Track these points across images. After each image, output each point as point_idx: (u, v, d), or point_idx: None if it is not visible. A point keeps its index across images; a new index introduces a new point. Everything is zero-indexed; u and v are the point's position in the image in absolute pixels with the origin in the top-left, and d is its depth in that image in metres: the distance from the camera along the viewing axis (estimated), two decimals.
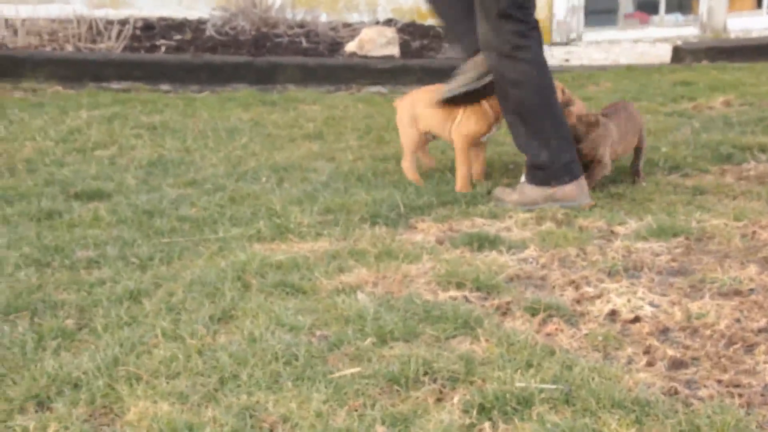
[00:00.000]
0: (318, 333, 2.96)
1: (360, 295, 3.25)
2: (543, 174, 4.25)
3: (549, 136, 4.24)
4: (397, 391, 2.58)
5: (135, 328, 3.00)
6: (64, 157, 5.13)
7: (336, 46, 7.80)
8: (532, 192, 4.28)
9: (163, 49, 7.41)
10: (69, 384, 2.62)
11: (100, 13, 7.80)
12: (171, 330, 2.97)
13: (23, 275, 3.40)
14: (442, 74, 7.34)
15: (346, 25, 8.26)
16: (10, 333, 2.93)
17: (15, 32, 7.10)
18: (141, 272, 3.51)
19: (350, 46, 7.66)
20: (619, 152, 4.57)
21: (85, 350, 2.84)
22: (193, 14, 8.21)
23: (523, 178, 4.41)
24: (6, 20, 7.20)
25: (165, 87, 6.95)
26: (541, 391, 2.48)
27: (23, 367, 2.73)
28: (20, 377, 2.66)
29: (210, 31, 7.82)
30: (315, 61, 7.41)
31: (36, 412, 2.50)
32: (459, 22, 4.52)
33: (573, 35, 8.81)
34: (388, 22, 8.32)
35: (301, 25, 8.12)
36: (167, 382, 2.64)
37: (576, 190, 4.25)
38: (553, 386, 2.49)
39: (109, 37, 7.31)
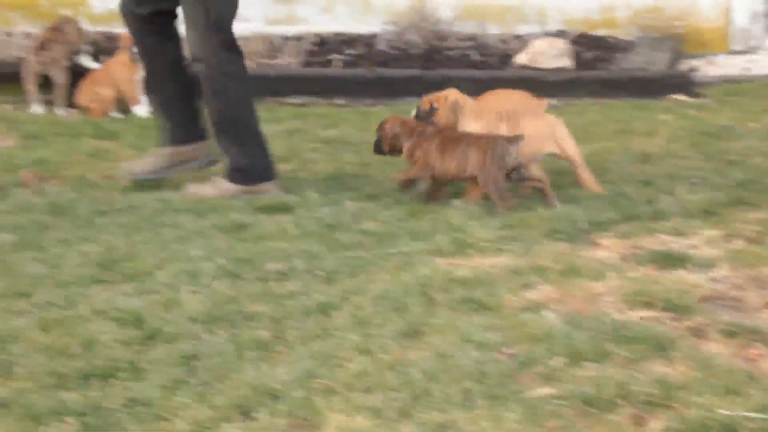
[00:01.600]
0: (506, 351, 2.96)
1: (546, 313, 3.23)
2: (242, 176, 4.69)
3: (247, 143, 4.69)
4: (593, 413, 2.55)
5: (327, 341, 3.08)
6: None
7: (506, 59, 7.78)
8: (231, 187, 4.69)
9: (337, 63, 7.59)
10: (269, 394, 2.72)
11: (277, 30, 8.05)
12: (361, 344, 3.03)
13: (219, 286, 3.55)
14: (617, 86, 7.25)
15: (516, 37, 8.21)
16: (211, 342, 3.07)
17: None
18: (328, 285, 3.60)
19: (520, 58, 7.62)
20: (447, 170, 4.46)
21: (281, 361, 2.94)
22: (364, 29, 8.35)
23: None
24: None
25: (340, 101, 7.10)
26: (749, 419, 2.39)
27: (225, 376, 2.85)
28: (223, 386, 2.78)
29: (382, 46, 7.94)
30: (485, 74, 7.40)
31: (241, 421, 2.60)
32: (171, 108, 4.84)
33: (755, 43, 8.46)
34: (560, 33, 8.22)
35: (471, 38, 8.13)
36: (362, 396, 2.70)
37: (272, 187, 4.74)
38: (763, 415, 2.41)
39: (287, 53, 7.54)
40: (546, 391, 2.66)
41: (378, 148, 4.75)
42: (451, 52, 7.89)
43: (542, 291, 3.44)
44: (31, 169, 5.03)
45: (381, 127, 4.71)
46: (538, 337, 3.02)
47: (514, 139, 4.42)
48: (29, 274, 3.64)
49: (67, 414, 2.62)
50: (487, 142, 4.42)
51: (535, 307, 3.29)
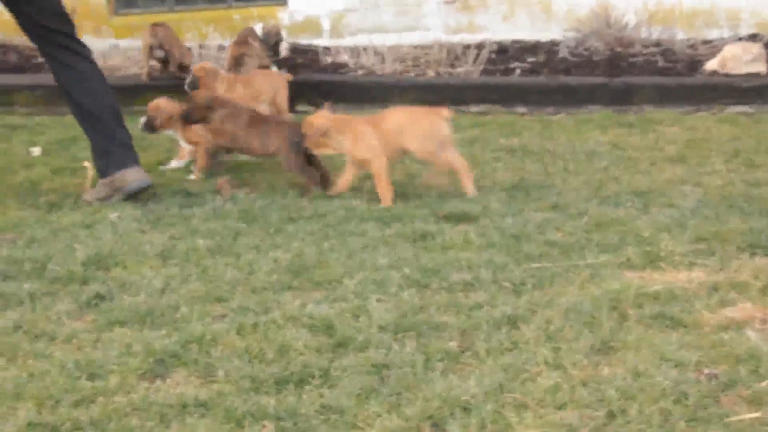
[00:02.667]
0: (706, 371, 2.84)
1: (749, 332, 3.07)
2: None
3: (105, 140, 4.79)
4: None
5: (516, 354, 3.04)
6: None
7: (694, 65, 7.50)
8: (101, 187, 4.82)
9: (517, 71, 7.52)
10: (460, 407, 2.71)
11: (457, 38, 8.07)
12: (552, 358, 2.98)
13: (406, 295, 3.57)
14: None
15: (706, 42, 7.90)
16: (400, 352, 3.08)
17: (383, 59, 7.54)
18: (515, 297, 3.55)
19: (711, 64, 7.33)
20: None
21: (471, 374, 2.92)
22: (545, 36, 8.26)
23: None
24: (375, 48, 7.67)
25: (521, 109, 7.04)
26: None
27: (415, 386, 2.85)
28: (414, 396, 2.79)
29: (563, 53, 7.82)
30: (673, 81, 7.16)
31: None
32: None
33: None
34: (753, 37, 7.86)
35: (657, 44, 7.89)
36: (555, 413, 2.64)
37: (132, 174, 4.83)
38: None
39: (467, 62, 7.54)
40: (752, 415, 2.53)
41: (149, 127, 5.32)
42: (636, 59, 7.68)
43: (743, 309, 3.28)
44: (224, 176, 5.22)
45: (156, 107, 5.28)
46: (741, 357, 2.88)
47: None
48: (225, 279, 3.77)
49: (265, 418, 2.69)
50: (287, 127, 5.00)
51: (735, 326, 3.14)
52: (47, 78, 7.00)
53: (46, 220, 4.53)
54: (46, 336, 3.26)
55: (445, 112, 4.95)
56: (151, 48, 6.90)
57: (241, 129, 5.09)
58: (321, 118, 4.85)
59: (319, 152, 4.90)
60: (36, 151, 5.69)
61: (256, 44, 6.76)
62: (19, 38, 7.91)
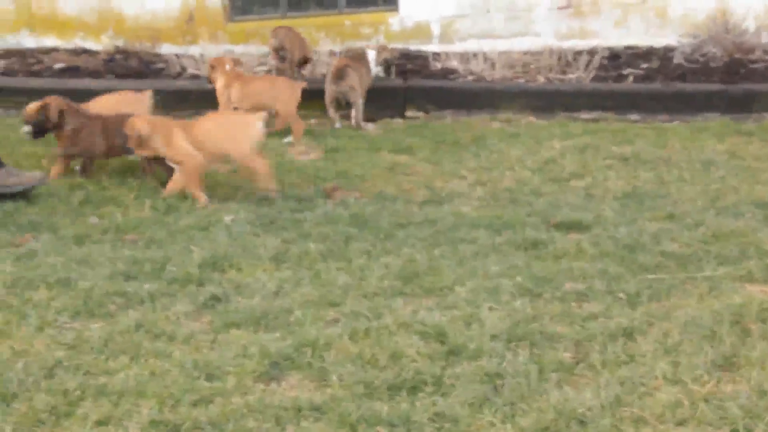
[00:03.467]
0: None
1: None
2: None
3: None
4: None
5: (633, 368, 2.98)
6: (541, 186, 5.28)
7: None
8: None
9: (630, 78, 7.38)
10: (575, 419, 2.67)
11: (568, 44, 7.96)
12: (671, 373, 2.91)
13: (518, 304, 3.54)
14: None
15: None
16: (514, 361, 3.05)
17: (492, 66, 7.49)
18: (630, 308, 3.49)
19: None
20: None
21: (586, 386, 2.88)
22: (659, 42, 8.07)
23: None
24: (485, 54, 7.64)
25: (633, 116, 6.90)
26: None
27: (529, 397, 2.82)
28: (528, 407, 2.76)
29: (678, 59, 7.64)
30: None
31: None
32: None
33: None
34: None
35: None
36: (674, 429, 2.58)
37: None
38: None
39: (578, 68, 7.43)
40: None
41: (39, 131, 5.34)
42: (756, 65, 7.45)
43: None
44: (335, 181, 5.27)
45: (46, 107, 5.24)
46: None
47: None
48: (338, 283, 3.80)
49: (379, 424, 2.70)
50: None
51: None
52: (166, 83, 7.24)
53: (164, 222, 4.65)
54: (165, 336, 3.35)
55: (259, 116, 5.13)
56: (275, 49, 7.15)
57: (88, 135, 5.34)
58: (140, 121, 5.05)
59: (141, 153, 5.10)
60: None
61: (362, 66, 6.83)
62: (140, 44, 8.17)
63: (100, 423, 2.74)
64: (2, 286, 3.73)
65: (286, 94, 6.30)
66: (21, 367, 3.05)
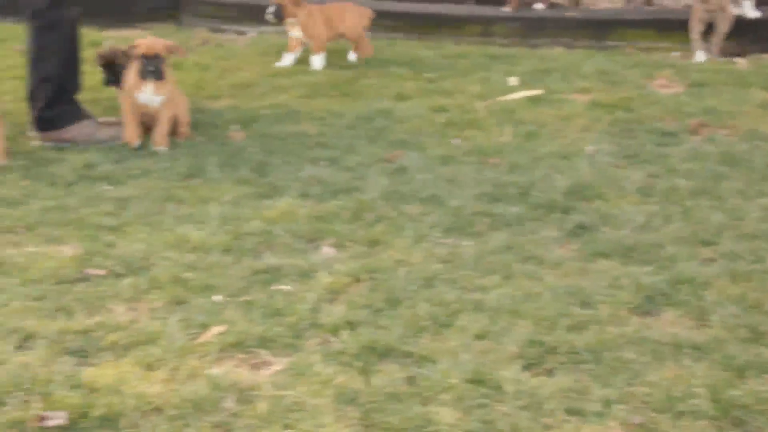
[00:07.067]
0: None
1: None
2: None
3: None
4: None
5: None
6: None
7: None
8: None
9: None
10: None
11: None
12: None
13: None
14: None
15: None
16: None
17: None
18: None
19: None
20: None
21: None
22: None
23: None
24: None
25: None
26: None
27: None
28: None
29: None
30: None
31: None
32: None
33: None
34: None
35: None
36: None
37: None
38: None
39: None
40: None
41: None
42: None
43: None
44: (700, 117, 5.02)
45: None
46: None
47: None
48: (711, 222, 3.63)
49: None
50: None
51: None
52: (526, 12, 7.24)
53: (525, 147, 4.67)
54: (534, 259, 3.37)
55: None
56: None
57: None
58: None
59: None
60: (513, 80, 5.87)
61: None
62: None
63: (478, 336, 2.81)
64: (380, 198, 3.93)
65: (361, 20, 6.41)
66: (403, 275, 3.21)
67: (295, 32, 6.25)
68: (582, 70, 6.11)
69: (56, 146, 4.65)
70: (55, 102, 4.67)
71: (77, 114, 4.73)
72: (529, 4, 7.31)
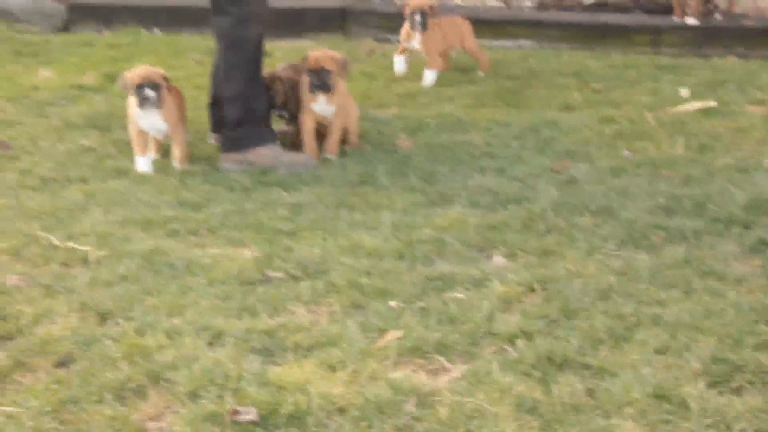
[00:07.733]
0: None
1: None
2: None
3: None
4: None
5: None
6: None
7: None
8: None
9: None
10: None
11: None
12: None
13: None
14: None
15: None
16: None
17: None
18: None
19: None
20: None
21: None
22: None
23: None
24: None
25: None
26: None
27: None
28: None
29: None
30: None
31: None
32: None
33: None
34: None
35: None
36: None
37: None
38: None
39: None
40: None
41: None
42: None
43: None
44: None
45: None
46: None
47: None
48: None
49: None
50: None
51: None
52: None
53: (699, 160, 4.54)
54: (714, 274, 3.28)
55: None
56: None
57: None
58: None
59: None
60: (684, 91, 5.73)
61: None
62: None
63: (658, 351, 2.76)
64: (551, 209, 3.91)
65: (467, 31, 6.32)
66: (577, 287, 3.18)
67: (415, 43, 6.16)
68: (759, 81, 5.90)
69: (232, 170, 4.50)
70: (242, 122, 4.60)
71: (264, 136, 4.63)
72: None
